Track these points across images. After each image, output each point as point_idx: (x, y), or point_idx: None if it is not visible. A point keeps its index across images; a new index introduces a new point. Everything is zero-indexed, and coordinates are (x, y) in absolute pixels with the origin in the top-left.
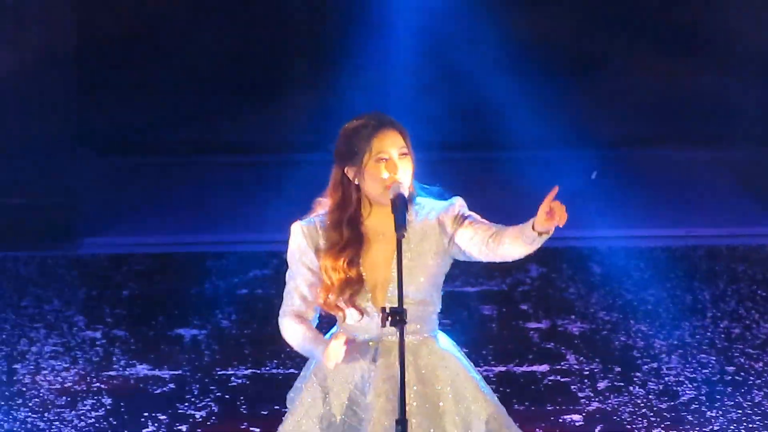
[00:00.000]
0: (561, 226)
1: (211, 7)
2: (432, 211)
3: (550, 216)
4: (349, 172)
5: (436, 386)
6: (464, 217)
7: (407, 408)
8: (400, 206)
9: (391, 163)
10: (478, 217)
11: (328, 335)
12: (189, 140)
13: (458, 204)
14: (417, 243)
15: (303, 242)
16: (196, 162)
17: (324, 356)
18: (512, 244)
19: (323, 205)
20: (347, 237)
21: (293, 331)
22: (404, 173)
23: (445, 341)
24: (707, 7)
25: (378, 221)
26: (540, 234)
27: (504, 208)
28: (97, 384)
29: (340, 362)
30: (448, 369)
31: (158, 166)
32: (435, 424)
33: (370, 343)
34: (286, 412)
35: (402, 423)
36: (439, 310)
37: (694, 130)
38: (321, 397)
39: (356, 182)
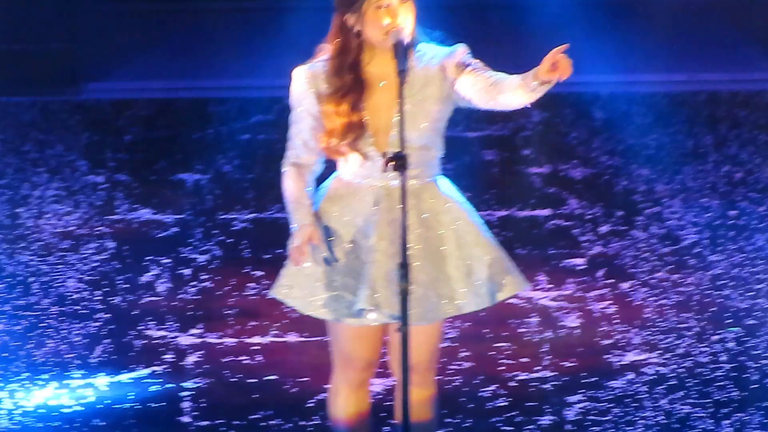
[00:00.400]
0: (562, 80)
1: None
2: (435, 57)
3: (554, 68)
4: (350, 19)
5: (439, 230)
6: (467, 64)
7: (409, 251)
8: (401, 52)
9: (391, 8)
10: (480, 64)
11: (327, 181)
12: None
13: (461, 51)
14: (419, 88)
15: (305, 87)
16: (199, 7)
17: (291, 251)
18: (512, 92)
19: (325, 51)
20: (349, 82)
21: (285, 188)
22: (405, 18)
23: (447, 186)
24: None
25: (380, 67)
26: (541, 83)
27: (505, 57)
28: (100, 228)
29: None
30: (451, 213)
31: (161, 11)
32: (437, 268)
33: (373, 188)
34: (287, 255)
35: (404, 266)
36: (441, 156)
37: None
38: (323, 240)
39: (357, 29)
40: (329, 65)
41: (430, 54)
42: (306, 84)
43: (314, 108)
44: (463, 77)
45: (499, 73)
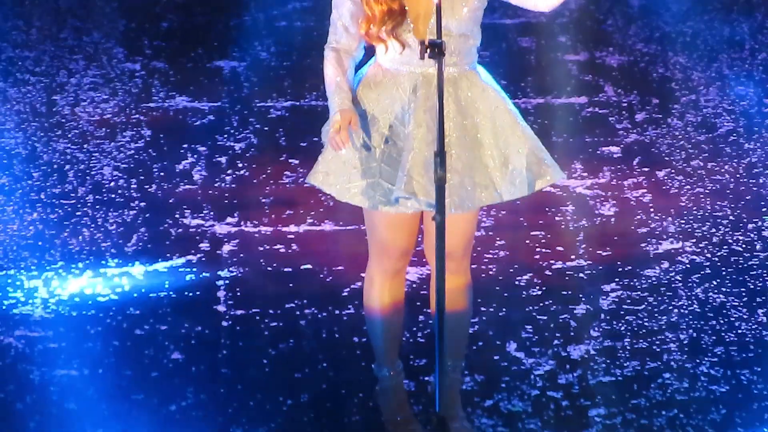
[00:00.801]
0: None
1: None
2: None
3: None
4: None
5: (476, 118)
6: None
7: (446, 139)
8: None
9: None
10: None
11: (365, 67)
12: None
13: None
14: None
15: None
16: None
17: (330, 136)
18: None
19: None
20: None
21: (325, 72)
22: None
23: (485, 75)
24: None
25: None
26: None
27: None
28: (137, 116)
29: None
30: (488, 102)
31: None
32: (473, 156)
33: (411, 75)
34: (323, 143)
35: (441, 155)
36: (479, 44)
37: None
38: (361, 127)
39: None
40: None
41: None
42: None
43: None
44: None
45: None
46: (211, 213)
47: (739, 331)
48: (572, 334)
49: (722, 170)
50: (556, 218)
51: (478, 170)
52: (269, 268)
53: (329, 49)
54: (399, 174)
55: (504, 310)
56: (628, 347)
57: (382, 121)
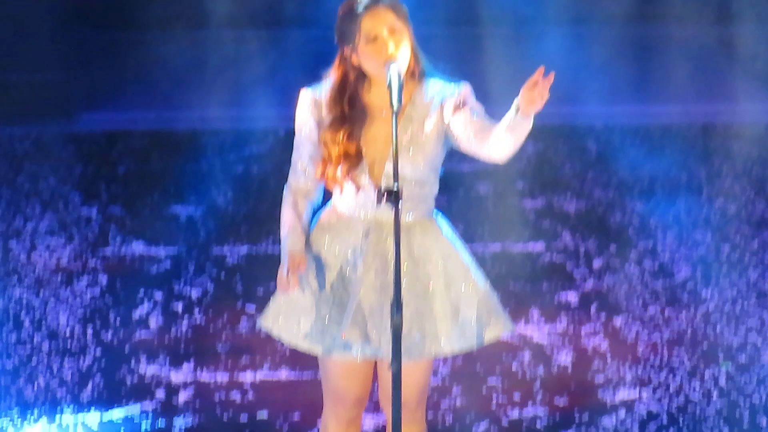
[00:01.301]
0: (540, 101)
1: None
2: (439, 93)
3: (532, 89)
4: (347, 52)
5: (428, 267)
6: (465, 104)
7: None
8: (395, 84)
9: (380, 42)
10: (480, 108)
11: (321, 211)
12: (184, 14)
13: (465, 90)
14: (419, 123)
15: (307, 113)
16: (192, 36)
17: (279, 277)
18: (497, 136)
19: (331, 76)
20: (347, 112)
21: (282, 214)
22: (398, 49)
23: (440, 223)
24: None
25: (379, 98)
26: (518, 111)
27: (495, 85)
28: (93, 262)
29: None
30: (441, 251)
31: (155, 40)
32: (423, 305)
33: (364, 220)
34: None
35: (396, 302)
36: (436, 192)
37: (692, 8)
38: (312, 270)
39: (354, 62)
40: (329, 93)
41: (436, 89)
42: (308, 109)
43: (314, 135)
44: (458, 115)
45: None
46: (167, 360)
47: None
48: None
49: (679, 318)
50: (513, 366)
51: (428, 320)
52: (225, 417)
53: (288, 190)
54: (344, 320)
55: None
56: None
57: (333, 266)
